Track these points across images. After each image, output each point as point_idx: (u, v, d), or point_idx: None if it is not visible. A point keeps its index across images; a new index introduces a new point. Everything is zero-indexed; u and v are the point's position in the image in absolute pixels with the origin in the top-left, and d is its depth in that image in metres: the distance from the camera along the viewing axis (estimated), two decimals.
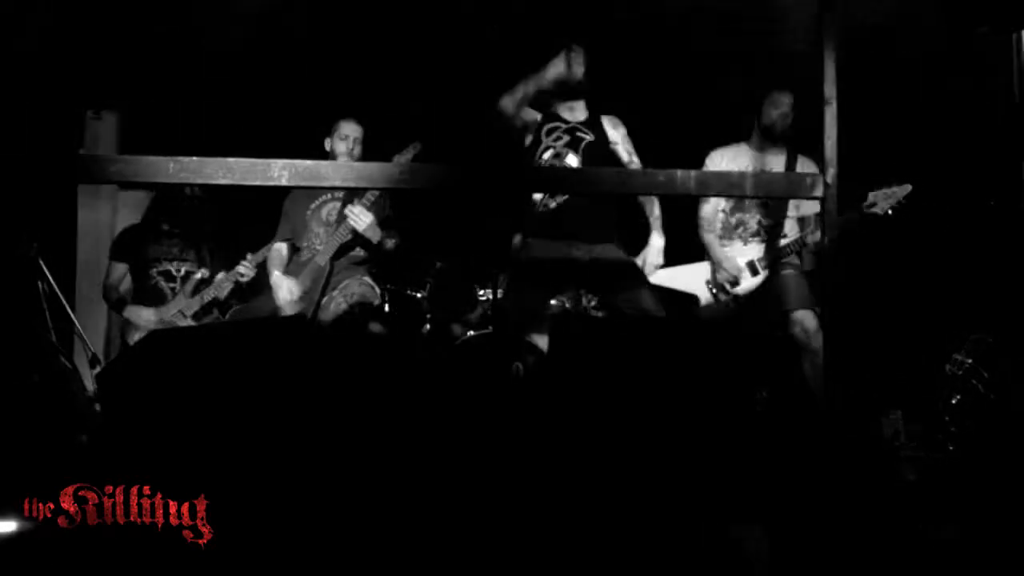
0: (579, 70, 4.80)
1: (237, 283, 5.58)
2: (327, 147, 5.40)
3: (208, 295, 5.60)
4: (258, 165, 3.66)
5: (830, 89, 3.80)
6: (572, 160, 4.87)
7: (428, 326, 6.41)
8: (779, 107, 5.14)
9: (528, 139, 4.93)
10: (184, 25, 5.65)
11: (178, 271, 5.68)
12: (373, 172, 3.96)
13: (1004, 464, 3.53)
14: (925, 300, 5.57)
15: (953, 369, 4.44)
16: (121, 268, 5.78)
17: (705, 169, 5.26)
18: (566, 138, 4.87)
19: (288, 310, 5.15)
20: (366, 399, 3.36)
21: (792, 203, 5.13)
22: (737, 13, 5.56)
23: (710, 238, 5.30)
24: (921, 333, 5.38)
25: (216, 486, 2.80)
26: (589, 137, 4.89)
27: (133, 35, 5.80)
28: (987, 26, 3.45)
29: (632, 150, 4.99)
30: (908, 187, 4.76)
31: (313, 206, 5.38)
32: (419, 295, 6.32)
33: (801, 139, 5.23)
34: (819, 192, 3.81)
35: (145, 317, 5.54)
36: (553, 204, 4.86)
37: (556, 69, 4.79)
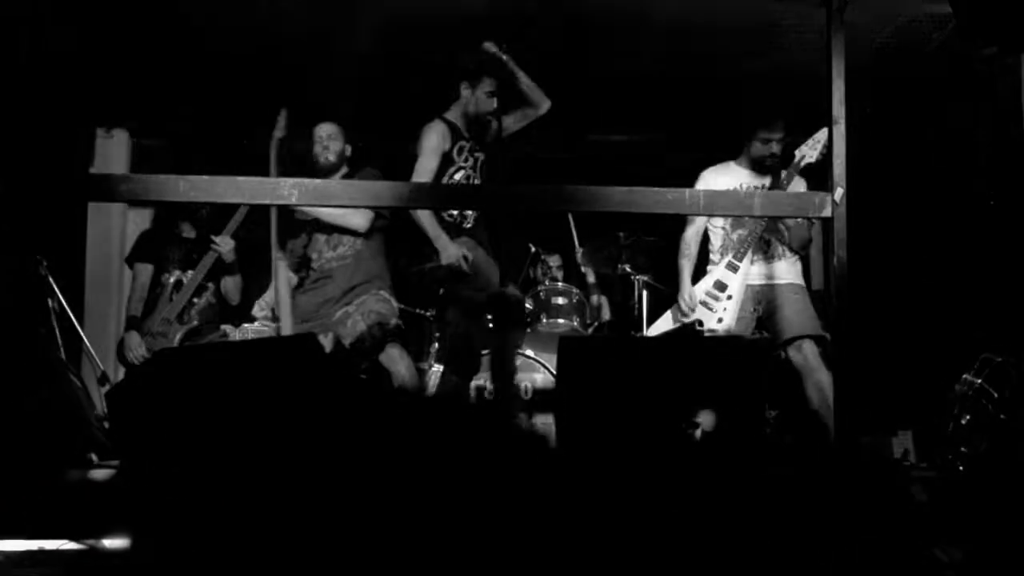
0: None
1: (217, 261, 5.60)
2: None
3: (184, 294, 5.59)
4: (267, 184, 3.68)
5: (838, 109, 3.81)
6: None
7: (436, 345, 6.39)
8: (769, 146, 5.16)
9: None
10: (196, 42, 5.67)
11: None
12: (381, 191, 3.98)
13: (1014, 484, 3.52)
14: (934, 318, 5.55)
15: (963, 389, 4.42)
16: (148, 270, 5.74)
17: (701, 184, 5.26)
18: (471, 159, 5.17)
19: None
20: (371, 417, 3.36)
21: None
22: (746, 33, 5.57)
23: (684, 263, 5.31)
24: (931, 352, 5.36)
25: (221, 506, 2.80)
26: (481, 156, 5.21)
27: (144, 52, 5.81)
28: (995, 47, 3.45)
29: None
30: (823, 129, 4.78)
31: None
32: (428, 314, 6.30)
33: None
34: (827, 211, 3.81)
35: (136, 340, 5.54)
36: None
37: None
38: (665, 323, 5.41)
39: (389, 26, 5.46)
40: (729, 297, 5.07)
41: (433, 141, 5.07)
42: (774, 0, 4.55)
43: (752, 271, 5.13)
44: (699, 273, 5.32)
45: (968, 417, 4.24)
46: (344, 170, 5.35)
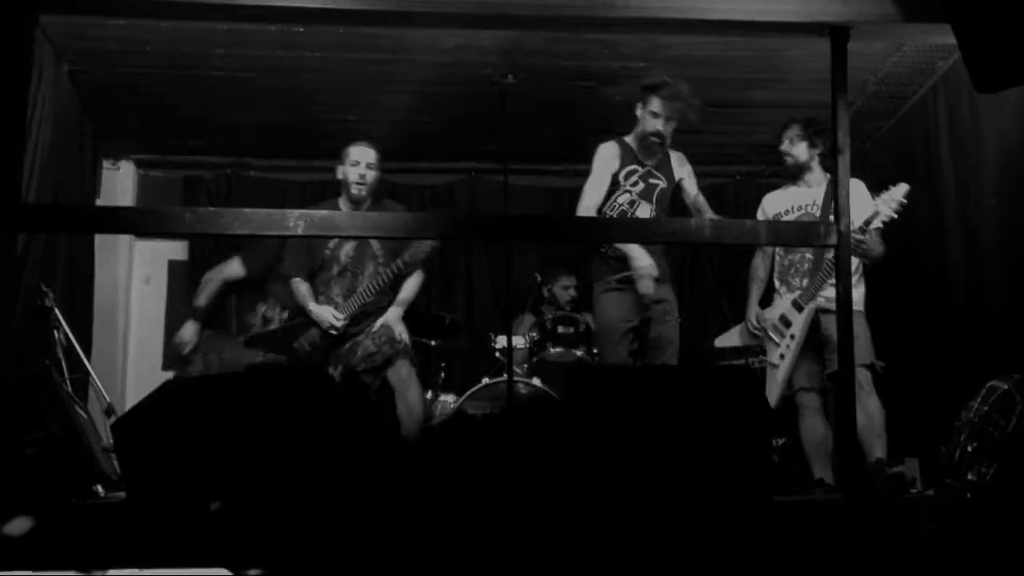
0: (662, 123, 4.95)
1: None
2: (339, 175, 5.26)
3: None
4: (274, 215, 3.69)
5: (843, 139, 3.82)
6: (645, 210, 5.01)
7: (443, 374, 6.40)
8: (784, 147, 5.22)
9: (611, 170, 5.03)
10: (202, 72, 5.70)
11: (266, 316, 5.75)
12: (386, 222, 3.99)
13: (1021, 511, 3.50)
14: (940, 345, 5.54)
15: (969, 416, 4.41)
16: (239, 268, 5.90)
17: (760, 211, 5.37)
18: (642, 185, 5.00)
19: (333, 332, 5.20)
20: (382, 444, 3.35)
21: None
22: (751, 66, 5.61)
23: (752, 286, 5.42)
24: (936, 380, 5.35)
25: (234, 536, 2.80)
26: (662, 184, 5.04)
27: (150, 83, 5.85)
28: (999, 77, 3.44)
29: (695, 184, 5.18)
30: (904, 186, 4.74)
31: (331, 244, 5.30)
32: (433, 343, 6.30)
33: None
34: (833, 240, 3.81)
35: (190, 332, 5.77)
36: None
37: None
38: (731, 338, 5.48)
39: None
40: (792, 336, 5.05)
41: (602, 159, 5.00)
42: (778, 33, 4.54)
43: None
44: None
45: (975, 444, 4.23)
46: (369, 201, 5.26)
